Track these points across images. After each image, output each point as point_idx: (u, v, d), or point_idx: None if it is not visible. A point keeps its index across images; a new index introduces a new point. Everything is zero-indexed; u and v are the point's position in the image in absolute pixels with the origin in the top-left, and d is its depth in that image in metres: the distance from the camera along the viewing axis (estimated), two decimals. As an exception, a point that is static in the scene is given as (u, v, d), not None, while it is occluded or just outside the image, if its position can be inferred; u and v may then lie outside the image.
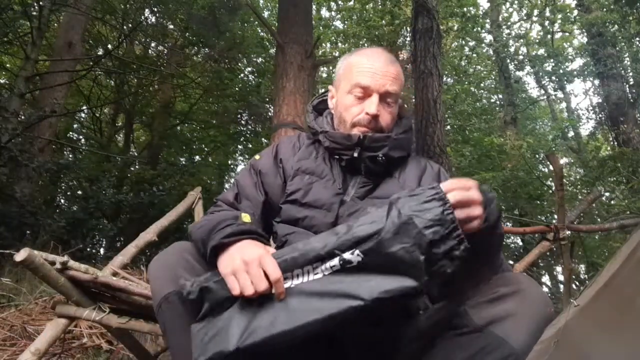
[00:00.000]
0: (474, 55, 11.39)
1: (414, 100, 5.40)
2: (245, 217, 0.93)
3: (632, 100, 8.28)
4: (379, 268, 0.67)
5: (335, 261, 0.69)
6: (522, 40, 11.78)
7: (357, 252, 0.68)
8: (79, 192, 6.85)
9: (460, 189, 0.69)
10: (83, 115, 9.48)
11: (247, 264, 0.72)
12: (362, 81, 1.00)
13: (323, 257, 0.70)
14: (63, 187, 7.33)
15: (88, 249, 5.66)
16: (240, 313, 0.70)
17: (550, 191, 6.73)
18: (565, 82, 11.41)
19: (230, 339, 0.66)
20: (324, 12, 10.85)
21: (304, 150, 1.09)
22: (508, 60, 10.89)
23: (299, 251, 0.72)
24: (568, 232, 2.51)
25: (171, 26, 8.96)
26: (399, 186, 1.00)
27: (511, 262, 6.94)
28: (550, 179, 6.55)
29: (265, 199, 1.06)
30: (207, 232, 0.84)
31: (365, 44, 10.84)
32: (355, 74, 1.03)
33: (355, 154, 0.98)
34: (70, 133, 9.35)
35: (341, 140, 1.00)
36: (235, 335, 0.66)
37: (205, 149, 10.91)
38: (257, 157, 1.13)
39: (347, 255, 0.68)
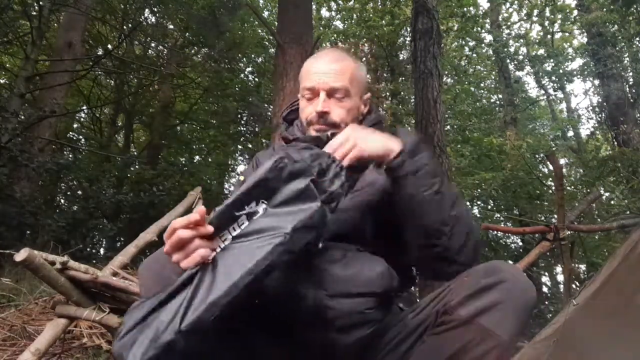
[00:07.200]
0: (474, 55, 11.39)
1: (413, 100, 5.40)
2: None
3: (632, 100, 8.27)
4: (282, 207, 0.73)
5: (243, 218, 0.72)
6: (522, 40, 11.78)
7: (261, 201, 0.73)
8: (79, 192, 6.86)
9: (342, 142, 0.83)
10: (83, 115, 9.49)
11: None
12: (307, 84, 1.07)
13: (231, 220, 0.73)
14: (63, 187, 7.34)
15: (88, 249, 5.66)
16: (174, 300, 0.67)
17: (550, 191, 6.73)
18: (565, 82, 11.41)
19: (172, 322, 0.63)
20: (324, 12, 10.87)
21: None
22: (508, 60, 10.89)
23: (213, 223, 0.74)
24: (568, 232, 2.51)
25: (171, 26, 8.96)
26: (377, 173, 1.03)
27: (511, 262, 6.95)
28: (550, 179, 6.55)
29: None
30: None
31: (365, 44, 10.85)
32: (303, 78, 1.10)
33: None
34: (70, 133, 9.35)
35: (311, 142, 1.03)
36: (177, 316, 0.63)
37: (205, 149, 10.91)
38: (241, 178, 1.17)
39: (251, 208, 0.73)
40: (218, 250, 0.71)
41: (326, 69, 1.06)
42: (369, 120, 1.11)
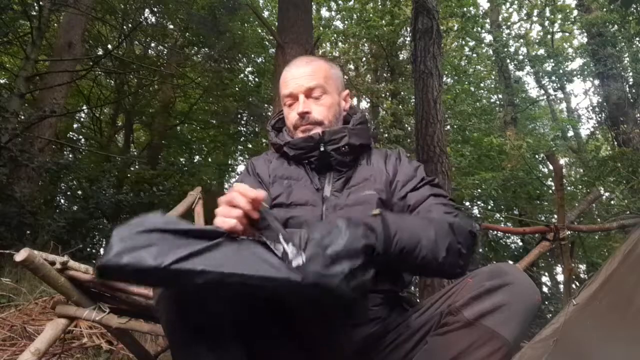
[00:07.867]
0: (474, 55, 11.40)
1: (414, 100, 5.40)
2: None
3: (632, 100, 8.26)
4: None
5: (280, 248, 0.71)
6: (522, 40, 11.77)
7: (301, 252, 0.70)
8: (79, 192, 6.85)
9: None
10: (83, 115, 9.49)
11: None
12: (286, 91, 1.12)
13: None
14: (63, 187, 7.33)
15: (88, 249, 5.66)
16: (190, 243, 0.67)
17: (550, 191, 6.73)
18: (565, 82, 11.40)
19: (167, 255, 0.63)
20: (324, 12, 10.88)
21: (275, 162, 1.15)
22: (508, 60, 10.89)
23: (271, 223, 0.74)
24: (568, 232, 2.50)
25: (171, 26, 8.96)
26: (370, 170, 1.08)
27: (511, 262, 6.96)
28: (550, 179, 6.55)
29: None
30: None
31: (365, 44, 10.86)
32: (282, 87, 1.15)
33: (322, 149, 1.05)
34: (70, 133, 9.35)
35: (304, 144, 1.07)
36: (174, 255, 0.63)
37: (205, 149, 10.91)
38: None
39: (292, 252, 0.70)
40: (250, 238, 0.72)
41: (300, 73, 1.11)
42: (355, 120, 1.14)
